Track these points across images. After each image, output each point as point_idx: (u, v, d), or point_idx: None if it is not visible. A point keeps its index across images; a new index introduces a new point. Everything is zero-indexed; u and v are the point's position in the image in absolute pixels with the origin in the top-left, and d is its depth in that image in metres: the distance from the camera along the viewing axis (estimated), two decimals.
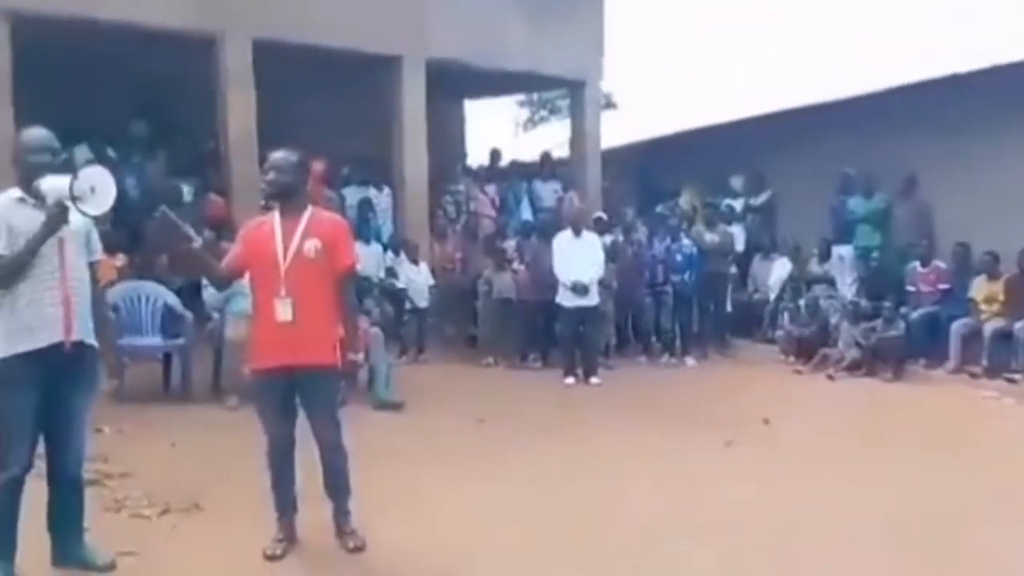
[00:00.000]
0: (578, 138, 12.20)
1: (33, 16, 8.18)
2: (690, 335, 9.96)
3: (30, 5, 8.22)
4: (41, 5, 8.25)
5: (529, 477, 5.12)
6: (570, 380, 8.39)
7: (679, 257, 9.84)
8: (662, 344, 9.81)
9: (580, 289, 8.32)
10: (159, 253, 8.14)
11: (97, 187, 3.43)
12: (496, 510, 4.53)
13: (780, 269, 10.81)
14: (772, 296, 10.66)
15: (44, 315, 3.45)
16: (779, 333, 9.99)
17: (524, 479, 5.07)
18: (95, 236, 3.70)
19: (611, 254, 9.18)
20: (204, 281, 7.14)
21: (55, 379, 3.48)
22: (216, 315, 7.25)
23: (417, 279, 9.53)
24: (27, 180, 3.52)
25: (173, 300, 7.44)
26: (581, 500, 4.75)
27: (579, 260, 8.37)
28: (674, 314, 9.82)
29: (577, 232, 8.60)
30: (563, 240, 8.59)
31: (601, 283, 8.67)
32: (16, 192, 3.55)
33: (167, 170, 9.66)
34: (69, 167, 3.72)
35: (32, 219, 3.46)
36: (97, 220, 3.57)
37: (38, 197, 3.47)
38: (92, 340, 3.62)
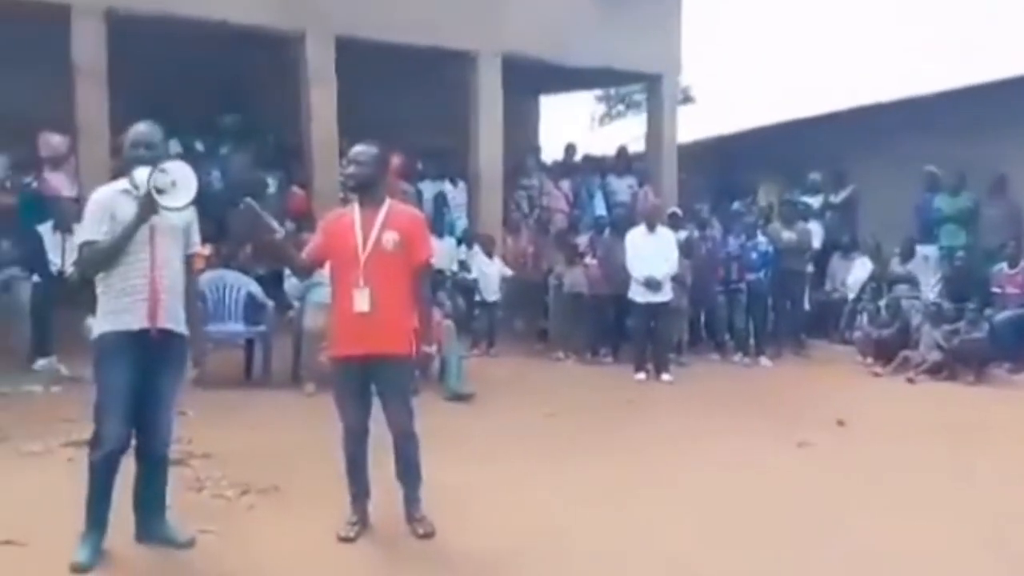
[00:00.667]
0: (654, 133, 12.11)
1: (126, 13, 8.55)
2: (764, 334, 9.80)
3: (124, 3, 8.59)
4: (134, 3, 8.61)
5: (596, 472, 5.14)
6: (641, 376, 8.36)
7: (754, 255, 9.69)
8: (735, 342, 9.70)
9: (653, 285, 8.28)
10: (243, 243, 8.43)
11: (179, 181, 3.57)
12: (562, 504, 4.56)
13: (860, 268, 10.56)
14: (851, 296, 10.42)
15: (133, 301, 3.62)
16: (857, 334, 9.76)
17: (591, 474, 5.09)
18: (195, 230, 3.85)
19: (685, 250, 9.10)
20: (286, 271, 7.37)
21: (145, 362, 3.65)
22: (296, 304, 7.47)
23: (490, 273, 9.62)
24: (126, 172, 3.72)
25: (256, 289, 7.69)
26: (647, 498, 4.75)
27: (652, 256, 8.32)
28: (748, 312, 9.67)
29: (651, 227, 8.56)
30: (637, 235, 8.56)
31: (674, 279, 8.61)
32: (122, 183, 3.75)
33: (252, 163, 9.97)
34: (163, 161, 3.89)
35: (128, 210, 3.63)
36: (179, 212, 3.69)
37: (135, 188, 3.64)
38: (181, 328, 3.78)
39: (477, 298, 9.54)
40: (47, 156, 8.83)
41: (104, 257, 3.63)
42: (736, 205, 11.29)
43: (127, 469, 3.76)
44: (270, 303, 7.61)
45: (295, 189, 9.95)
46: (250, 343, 7.59)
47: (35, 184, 8.78)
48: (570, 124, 17.73)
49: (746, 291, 9.63)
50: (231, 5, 8.94)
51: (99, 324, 3.67)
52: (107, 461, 3.62)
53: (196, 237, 3.88)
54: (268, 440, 5.59)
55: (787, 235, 10.00)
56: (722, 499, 4.74)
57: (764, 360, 9.55)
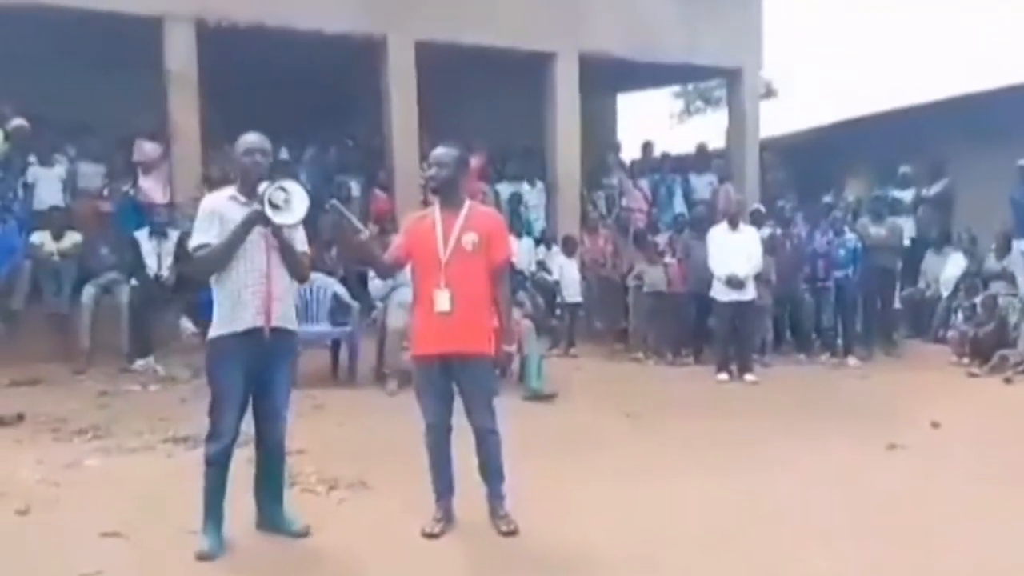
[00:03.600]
0: (735, 128, 11.93)
1: (217, 23, 8.86)
2: (853, 333, 9.53)
3: (213, 13, 8.90)
4: (222, 13, 8.93)
5: (678, 473, 5.07)
6: (723, 377, 8.23)
7: (842, 251, 9.44)
8: (822, 342, 9.46)
9: (735, 283, 8.14)
10: (328, 246, 8.64)
11: (293, 199, 3.71)
12: (643, 504, 4.53)
13: (954, 264, 10.18)
14: (945, 293, 10.05)
15: (246, 302, 3.78)
16: (952, 333, 9.40)
17: (673, 475, 5.03)
18: (300, 234, 3.97)
19: (769, 247, 8.93)
20: (370, 273, 7.52)
21: (259, 359, 3.81)
22: (380, 305, 7.61)
23: (570, 273, 9.61)
24: (242, 179, 3.87)
25: (341, 291, 7.86)
26: (730, 499, 4.67)
27: (735, 254, 8.18)
28: (836, 311, 9.43)
29: (734, 225, 8.41)
30: (719, 233, 8.42)
31: (758, 277, 8.45)
32: (230, 190, 3.91)
33: (336, 167, 10.20)
34: (277, 169, 4.02)
35: (238, 216, 3.79)
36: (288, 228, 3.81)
37: (251, 197, 3.78)
38: (292, 326, 3.95)
39: (557, 299, 9.54)
40: (139, 161, 9.21)
41: (215, 261, 3.79)
42: (827, 199, 10.98)
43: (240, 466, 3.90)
44: (355, 304, 7.77)
45: (377, 192, 10.15)
46: (336, 343, 7.76)
47: (131, 191, 9.17)
48: (648, 122, 17.60)
49: (833, 289, 9.39)
50: (317, 13, 9.18)
51: (215, 324, 3.85)
52: (222, 454, 3.79)
53: (300, 237, 3.97)
54: (354, 437, 5.72)
55: (876, 231, 9.70)
56: (810, 503, 4.62)
57: (852, 360, 9.28)
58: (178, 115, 8.89)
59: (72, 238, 8.29)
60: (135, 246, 8.24)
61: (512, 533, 4.03)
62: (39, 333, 7.96)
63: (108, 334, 7.88)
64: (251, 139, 3.91)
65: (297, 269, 3.93)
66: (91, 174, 9.25)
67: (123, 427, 5.77)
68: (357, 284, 8.20)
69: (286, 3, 9.12)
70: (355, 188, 10.05)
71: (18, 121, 8.90)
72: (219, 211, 3.84)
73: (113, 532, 3.91)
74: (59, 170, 9.12)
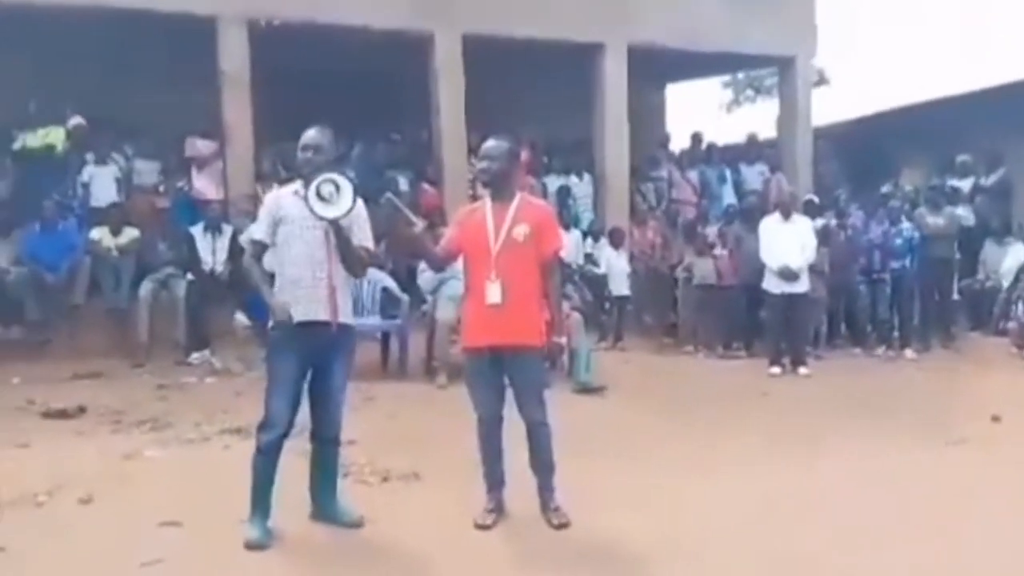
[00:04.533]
0: (787, 117, 11.73)
1: (266, 22, 8.99)
2: (910, 325, 9.34)
3: (264, 13, 9.03)
4: (273, 12, 9.04)
5: (730, 468, 5.02)
6: (776, 370, 8.09)
7: (899, 241, 9.24)
8: (878, 335, 9.27)
9: (788, 275, 8.01)
10: (377, 240, 8.70)
11: (342, 193, 3.75)
12: (694, 498, 4.49)
13: (1015, 255, 9.90)
14: (1005, 284, 9.77)
15: (306, 293, 3.83)
16: (1012, 325, 9.16)
17: (724, 469, 4.98)
18: (363, 229, 3.99)
19: (822, 238, 8.77)
20: (420, 266, 7.57)
21: (316, 351, 3.85)
22: (429, 298, 7.65)
23: (618, 266, 9.56)
24: (299, 174, 3.93)
25: (391, 284, 7.92)
26: (784, 495, 4.60)
27: (788, 244, 8.04)
28: (892, 303, 9.24)
29: (786, 215, 8.27)
30: (771, 224, 8.29)
31: (812, 269, 8.30)
32: (294, 186, 3.97)
33: (384, 163, 10.27)
34: (338, 164, 4.07)
35: (298, 211, 3.85)
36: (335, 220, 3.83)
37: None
38: (349, 319, 4.00)
39: (605, 292, 9.49)
40: (192, 157, 9.39)
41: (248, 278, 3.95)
42: (885, 189, 10.75)
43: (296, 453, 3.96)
44: (405, 297, 7.83)
45: (425, 186, 10.19)
46: (386, 336, 7.83)
47: (187, 188, 9.36)
48: (696, 112, 17.42)
49: (890, 280, 9.20)
50: (365, 10, 9.26)
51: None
52: (273, 444, 3.84)
53: (363, 229, 3.98)
54: (405, 429, 5.77)
55: (933, 221, 9.49)
56: (864, 499, 4.53)
57: (909, 353, 9.10)
58: (231, 113, 9.03)
59: (130, 234, 8.49)
60: (190, 241, 8.40)
61: (564, 526, 4.02)
62: (98, 327, 8.17)
63: (165, 328, 8.05)
64: (307, 135, 3.97)
65: (353, 263, 3.95)
66: (147, 171, 9.48)
67: (181, 419, 5.89)
68: (406, 277, 8.25)
69: (334, 1, 9.20)
70: (403, 183, 10.09)
71: (77, 120, 9.16)
72: (276, 207, 3.92)
73: (172, 521, 3.99)
74: (114, 168, 9.35)
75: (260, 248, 3.97)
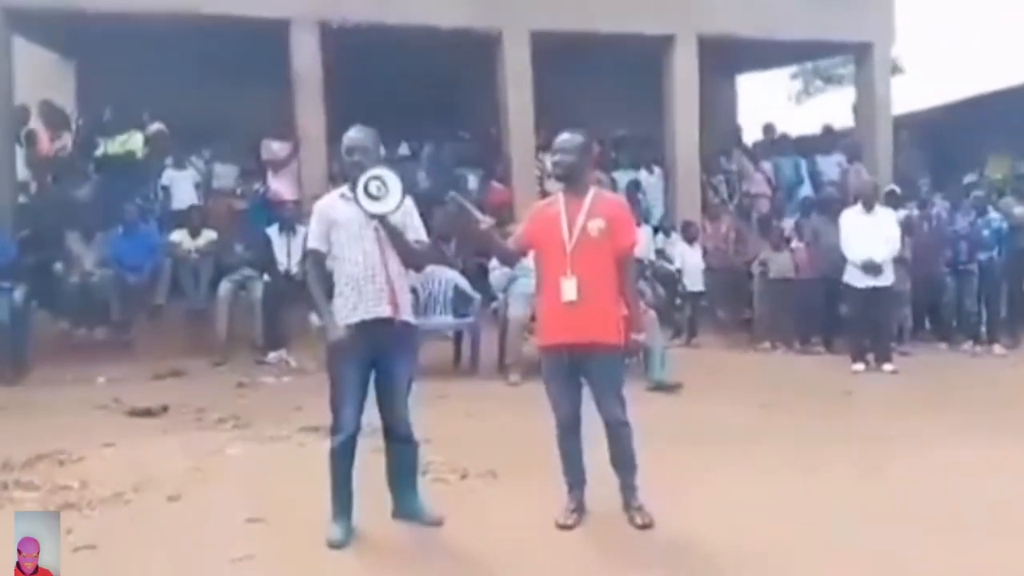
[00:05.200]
0: (865, 106, 11.37)
1: (338, 24, 9.09)
2: (998, 319, 8.96)
3: (335, 14, 9.13)
4: (343, 14, 9.14)
5: (814, 467, 4.86)
6: (859, 367, 7.83)
7: (986, 232, 8.89)
8: (965, 329, 8.93)
9: (872, 268, 7.74)
10: (448, 239, 8.73)
11: (389, 187, 3.72)
12: (777, 498, 4.36)
13: None
14: None
15: (361, 293, 3.81)
16: None
17: (808, 469, 4.83)
18: (414, 222, 3.96)
19: (906, 230, 8.46)
20: (492, 264, 7.55)
21: (377, 351, 3.83)
22: (501, 295, 7.63)
23: (692, 261, 9.39)
24: (347, 176, 3.92)
25: (462, 282, 7.93)
26: (874, 495, 4.45)
27: (871, 237, 7.76)
28: (980, 296, 8.88)
29: (868, 207, 7.98)
30: (852, 216, 8.01)
31: (896, 261, 8.02)
32: (342, 189, 3.96)
33: (453, 161, 10.30)
34: (383, 163, 4.06)
35: (348, 212, 3.83)
36: (385, 216, 3.80)
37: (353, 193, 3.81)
38: (409, 316, 3.97)
39: (678, 287, 9.34)
40: (268, 160, 9.55)
41: (312, 295, 3.94)
42: (969, 179, 10.34)
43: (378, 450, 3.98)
44: (476, 295, 7.82)
45: (494, 184, 10.18)
46: (458, 334, 7.85)
47: (263, 190, 9.52)
48: (766, 104, 17.03)
49: (977, 272, 8.85)
50: (432, 10, 9.28)
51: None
52: (345, 446, 3.83)
53: (414, 224, 3.95)
54: (481, 427, 5.74)
55: (1020, 210, 9.13)
56: (952, 500, 4.35)
57: (998, 348, 8.75)
58: (303, 115, 9.17)
59: (208, 236, 8.68)
60: (267, 243, 8.54)
61: (647, 526, 3.94)
62: (179, 327, 8.38)
63: (243, 328, 8.21)
64: (352, 137, 3.92)
65: (410, 258, 3.93)
66: (225, 174, 9.68)
67: (260, 417, 5.98)
68: (478, 276, 8.25)
69: (402, 2, 9.26)
70: (472, 181, 10.12)
71: (157, 126, 9.42)
72: (327, 213, 3.91)
73: (258, 518, 4.03)
74: (192, 172, 9.58)
75: (318, 256, 3.93)
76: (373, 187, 3.70)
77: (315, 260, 3.96)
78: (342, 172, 4.02)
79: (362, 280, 3.82)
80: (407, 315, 3.94)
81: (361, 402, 3.85)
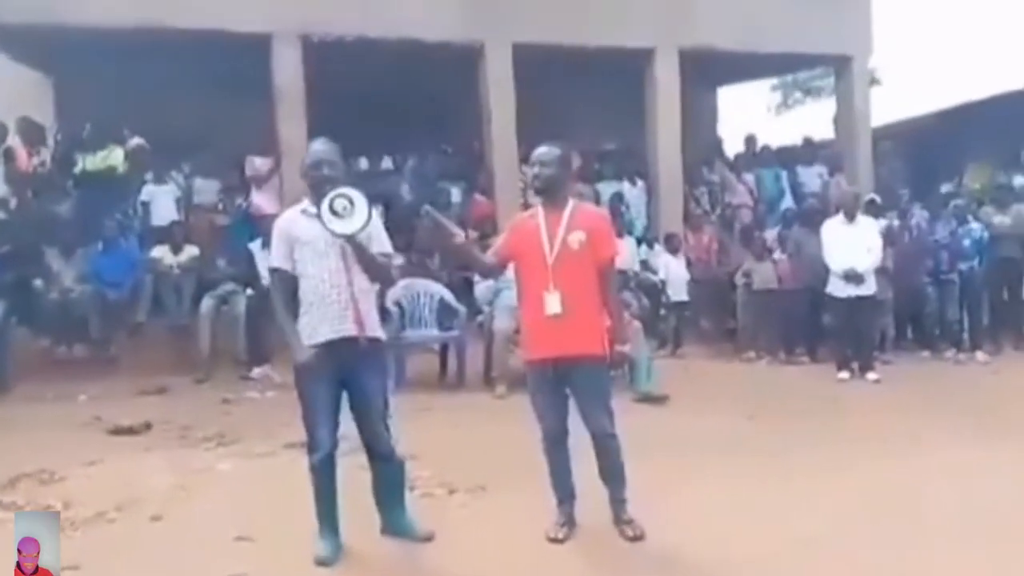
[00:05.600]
0: (845, 117, 11.49)
1: (319, 38, 9.08)
2: (980, 327, 9.05)
3: (317, 28, 9.12)
4: (326, 27, 9.14)
5: (808, 475, 4.87)
6: (844, 375, 7.88)
7: (967, 242, 8.98)
8: (947, 337, 8.99)
9: (854, 278, 7.79)
10: (431, 252, 8.72)
11: (355, 206, 3.60)
12: (767, 507, 4.37)
13: None
14: None
15: (326, 313, 3.71)
16: None
17: (802, 477, 4.84)
18: (380, 235, 3.87)
19: (887, 239, 8.54)
20: (476, 277, 7.54)
21: (345, 369, 3.74)
22: (486, 308, 7.62)
23: (676, 271, 9.42)
24: (311, 191, 3.81)
25: (447, 295, 7.91)
26: (866, 501, 4.46)
27: (853, 247, 7.81)
28: (962, 304, 8.96)
29: (850, 217, 8.03)
30: (834, 226, 8.07)
31: (877, 270, 8.07)
32: (303, 203, 3.86)
33: (437, 174, 10.30)
34: (349, 178, 3.99)
35: (311, 229, 3.72)
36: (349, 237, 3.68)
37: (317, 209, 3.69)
38: (376, 333, 3.88)
39: (663, 299, 9.36)
40: (251, 176, 9.51)
41: (277, 317, 3.81)
42: (947, 188, 10.47)
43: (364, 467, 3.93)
44: (462, 308, 7.80)
45: (477, 197, 10.18)
46: (444, 347, 7.82)
47: (245, 205, 9.47)
48: (745, 116, 17.18)
49: (959, 282, 8.94)
50: (415, 23, 9.30)
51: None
52: (324, 463, 3.77)
53: (380, 238, 3.87)
54: (468, 441, 5.70)
55: (1000, 219, 9.26)
56: (939, 506, 4.37)
57: (981, 355, 8.83)
58: (286, 129, 9.13)
59: (190, 251, 8.61)
60: (249, 258, 8.48)
61: (638, 538, 3.92)
62: (161, 344, 8.29)
63: (226, 343, 8.13)
64: (317, 150, 3.84)
65: (378, 273, 3.85)
66: (206, 189, 9.62)
67: (246, 433, 5.92)
68: (463, 288, 8.23)
69: (385, 15, 9.25)
70: (456, 194, 10.12)
71: (137, 141, 9.34)
72: (287, 230, 3.80)
73: (246, 536, 3.98)
74: (172, 187, 9.51)
75: (283, 276, 3.81)
76: (339, 205, 3.59)
77: (280, 280, 3.83)
78: (308, 187, 3.87)
79: (327, 298, 3.72)
80: (374, 331, 3.85)
81: (335, 420, 3.78)
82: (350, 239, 3.68)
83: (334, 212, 3.60)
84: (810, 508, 4.35)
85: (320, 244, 3.73)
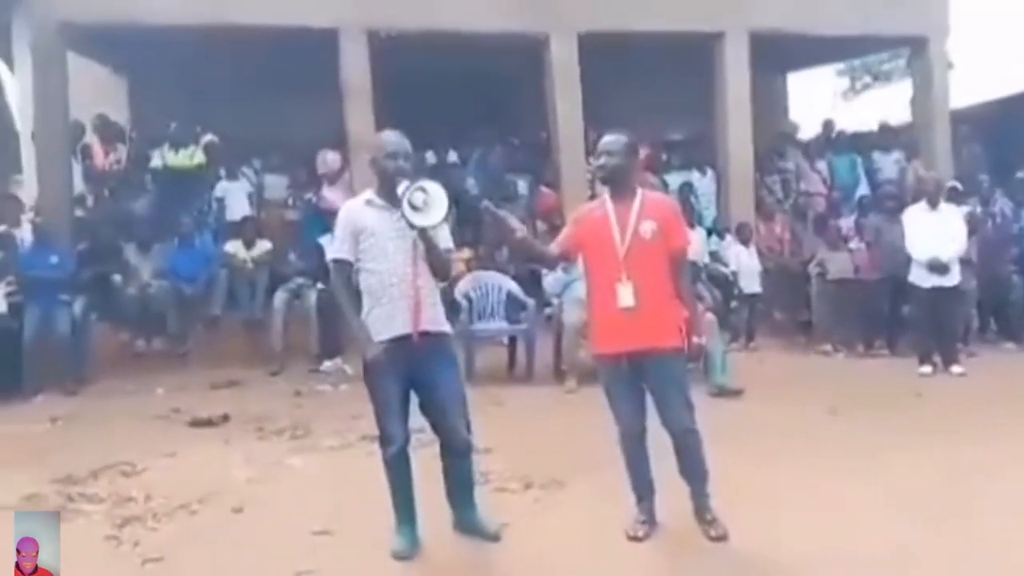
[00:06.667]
0: (921, 101, 11.07)
1: (385, 32, 9.10)
2: None
3: (382, 23, 9.15)
4: (391, 22, 9.15)
5: (895, 472, 4.70)
6: (926, 369, 7.57)
7: None
8: None
9: (938, 267, 7.49)
10: (498, 245, 8.68)
11: (432, 200, 3.55)
12: (860, 506, 4.21)
13: None
14: None
15: (394, 309, 3.67)
16: None
17: (889, 474, 4.67)
18: (444, 232, 3.82)
19: (970, 227, 8.18)
20: (543, 270, 7.47)
21: (415, 364, 3.70)
22: (555, 300, 7.55)
23: (748, 262, 9.21)
24: (380, 182, 3.76)
25: (515, 288, 7.86)
26: (954, 500, 4.29)
27: (937, 235, 7.49)
28: None
29: (933, 204, 7.70)
30: (917, 213, 7.74)
31: (961, 260, 7.74)
32: (367, 194, 3.82)
33: (503, 167, 10.25)
34: (420, 170, 3.94)
35: (381, 220, 3.68)
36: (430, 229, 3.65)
37: (390, 200, 3.67)
38: (443, 327, 3.83)
39: (735, 290, 9.16)
40: (323, 173, 9.60)
41: (344, 311, 3.76)
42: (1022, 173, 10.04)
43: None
44: (530, 301, 7.75)
45: (544, 189, 10.11)
46: (512, 340, 7.78)
47: (314, 200, 9.57)
48: (813, 102, 16.71)
49: None
50: (479, 15, 9.25)
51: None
52: (397, 457, 3.75)
53: (443, 234, 3.81)
54: (540, 434, 5.66)
55: None
56: None
57: None
58: (354, 125, 9.17)
59: (263, 246, 8.73)
60: (320, 252, 8.53)
61: (722, 538, 3.80)
62: (235, 337, 8.44)
63: (298, 337, 8.21)
64: (392, 140, 3.77)
65: (442, 268, 3.80)
66: (276, 185, 9.76)
67: (320, 426, 5.95)
68: (531, 281, 8.18)
69: (449, 9, 9.23)
70: (522, 186, 10.07)
71: (210, 137, 9.52)
72: (353, 220, 3.73)
73: (323, 530, 3.99)
74: (244, 183, 9.67)
75: (344, 268, 3.74)
76: (418, 199, 3.54)
77: (340, 271, 3.75)
78: (379, 177, 3.82)
79: (393, 293, 3.67)
80: (440, 326, 3.81)
81: (406, 414, 3.75)
82: (423, 233, 3.64)
83: (412, 206, 3.56)
84: (902, 508, 4.19)
85: (387, 236, 3.68)
